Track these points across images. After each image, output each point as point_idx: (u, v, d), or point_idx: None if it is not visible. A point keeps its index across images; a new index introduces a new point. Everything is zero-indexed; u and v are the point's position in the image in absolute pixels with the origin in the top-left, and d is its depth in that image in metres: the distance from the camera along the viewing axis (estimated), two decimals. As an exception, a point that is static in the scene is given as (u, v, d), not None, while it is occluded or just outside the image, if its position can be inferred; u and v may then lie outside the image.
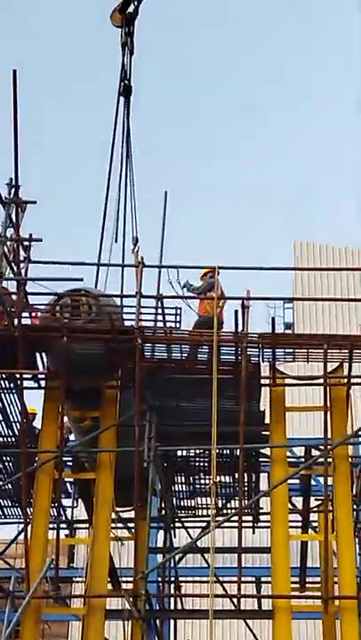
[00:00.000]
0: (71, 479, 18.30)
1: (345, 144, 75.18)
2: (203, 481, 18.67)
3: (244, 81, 76.30)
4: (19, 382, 15.51)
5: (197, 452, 17.66)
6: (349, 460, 16.10)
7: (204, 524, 18.82)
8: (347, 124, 77.78)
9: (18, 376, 15.40)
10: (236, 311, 15.44)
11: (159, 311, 15.95)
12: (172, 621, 19.92)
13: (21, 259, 15.43)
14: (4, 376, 15.74)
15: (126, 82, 18.78)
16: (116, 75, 18.86)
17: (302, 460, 17.32)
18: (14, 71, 14.20)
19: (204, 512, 19.45)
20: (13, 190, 15.24)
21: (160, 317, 15.99)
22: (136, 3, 18.85)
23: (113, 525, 15.84)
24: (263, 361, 15.96)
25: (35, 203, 15.47)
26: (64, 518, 19.37)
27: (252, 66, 76.21)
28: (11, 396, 16.36)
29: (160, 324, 15.99)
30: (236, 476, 16.60)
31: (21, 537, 16.04)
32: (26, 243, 15.51)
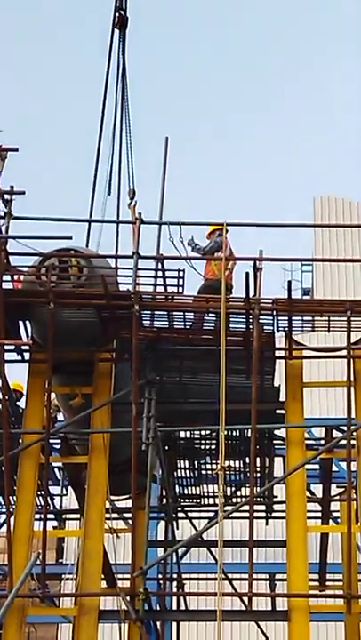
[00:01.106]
0: (60, 464, 18.33)
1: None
2: (209, 466, 18.72)
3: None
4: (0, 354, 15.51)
5: (203, 433, 17.68)
6: (376, 442, 16.09)
7: (210, 515, 18.88)
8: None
9: (-2, 346, 15.40)
10: (247, 273, 15.38)
11: (159, 274, 15.91)
12: (174, 623, 20.04)
13: (1, 214, 15.39)
14: (-17, 347, 15.73)
15: (121, 12, 18.70)
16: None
17: (322, 442, 17.32)
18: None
19: (211, 501, 19.50)
20: (-8, 135, 15.22)
21: (160, 281, 15.95)
22: None
23: (107, 516, 15.86)
24: (278, 330, 15.97)
25: (16, 150, 15.44)
26: (52, 508, 19.44)
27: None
28: (-9, 369, 16.37)
29: (160, 289, 15.95)
30: (247, 460, 16.62)
31: (4, 529, 16.13)
32: (7, 196, 15.46)
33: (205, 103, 75.12)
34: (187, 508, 19.82)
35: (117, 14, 18.74)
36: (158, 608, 17.85)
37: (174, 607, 19.52)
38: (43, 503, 16.08)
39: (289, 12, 76.08)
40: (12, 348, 15.87)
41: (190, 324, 16.12)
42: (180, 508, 19.65)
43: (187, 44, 76.54)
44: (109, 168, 17.85)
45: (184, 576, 20.42)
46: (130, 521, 16.77)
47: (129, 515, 17.18)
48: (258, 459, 17.35)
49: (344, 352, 15.72)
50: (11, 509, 15.40)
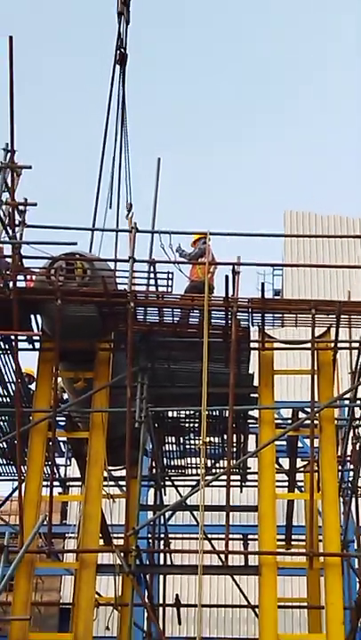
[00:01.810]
0: (64, 438, 18.33)
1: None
2: (192, 441, 18.76)
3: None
4: (13, 343, 15.49)
5: (188, 413, 17.71)
6: (335, 422, 16.11)
7: (193, 483, 18.91)
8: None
9: (12, 337, 15.38)
10: (227, 276, 15.39)
11: (152, 275, 15.91)
12: (161, 576, 20.06)
13: (16, 223, 15.36)
14: (-1, 337, 15.70)
15: (122, 50, 18.61)
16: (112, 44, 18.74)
17: (289, 421, 17.34)
18: (10, 38, 14.08)
19: (194, 471, 19.55)
20: (9, 155, 15.15)
21: (152, 281, 15.95)
22: None
23: (105, 483, 15.85)
24: (253, 325, 15.96)
25: (30, 168, 15.38)
26: (57, 476, 19.42)
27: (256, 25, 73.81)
28: (6, 357, 16.35)
29: (152, 289, 15.96)
30: (225, 436, 16.62)
31: (16, 494, 16.09)
32: (21, 207, 15.44)
33: (196, 128, 74.41)
34: (173, 478, 19.84)
35: (118, 52, 18.64)
36: (148, 563, 17.85)
37: (162, 562, 19.55)
38: (49, 472, 16.08)
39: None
40: (25, 338, 15.87)
41: (178, 319, 16.08)
42: (167, 478, 19.66)
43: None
44: (110, 185, 17.81)
45: (170, 536, 20.46)
46: (124, 488, 16.77)
47: (123, 482, 17.15)
48: (234, 435, 17.35)
49: (309, 345, 15.73)
50: (22, 477, 15.40)
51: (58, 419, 16.10)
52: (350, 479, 18.26)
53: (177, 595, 20.70)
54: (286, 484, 18.75)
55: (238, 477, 18.88)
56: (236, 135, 72.96)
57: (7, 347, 16.00)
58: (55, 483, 17.64)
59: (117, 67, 18.59)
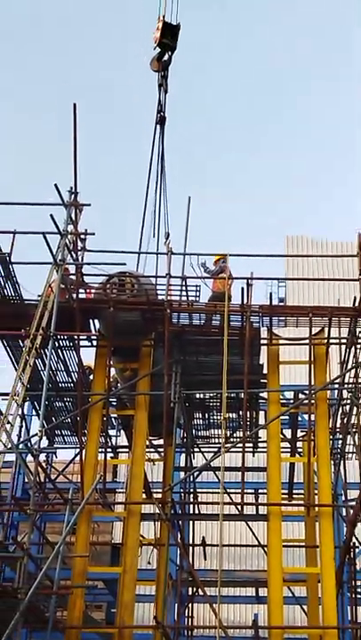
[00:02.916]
0: (116, 415, 18.39)
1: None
2: (215, 417, 18.72)
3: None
4: (76, 342, 15.62)
5: (211, 395, 17.70)
6: (327, 401, 16.14)
7: (215, 449, 18.88)
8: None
9: (75, 337, 15.49)
10: (243, 288, 15.47)
11: (183, 288, 16.00)
12: (190, 523, 20.06)
13: (79, 248, 15.48)
14: (65, 337, 15.80)
15: (162, 114, 18.61)
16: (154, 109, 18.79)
17: (291, 401, 17.37)
18: (74, 105, 14.20)
19: (216, 440, 19.52)
20: (73, 196, 15.26)
21: (184, 293, 16.04)
22: (170, 53, 18.77)
23: (147, 450, 15.95)
24: (262, 326, 16.00)
25: (89, 205, 15.47)
26: (110, 444, 19.50)
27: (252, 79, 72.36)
28: (70, 352, 16.45)
29: (184, 298, 16.04)
30: (241, 413, 16.66)
31: (77, 458, 16.17)
32: (82, 236, 15.55)
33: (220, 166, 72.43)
34: (200, 445, 19.85)
35: (159, 115, 18.59)
36: (180, 512, 17.85)
37: (191, 512, 19.57)
38: (104, 441, 16.19)
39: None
40: (85, 337, 15.94)
41: (204, 321, 16.16)
42: (195, 445, 19.67)
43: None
44: (153, 218, 17.88)
45: (198, 491, 20.45)
46: (162, 453, 16.89)
47: (161, 449, 17.25)
48: (248, 412, 17.40)
49: (307, 341, 15.78)
50: (82, 445, 15.51)
51: (110, 400, 16.20)
52: (339, 446, 18.27)
53: (203, 537, 20.70)
54: (289, 449, 18.75)
55: (251, 445, 18.81)
56: (242, 168, 71.10)
57: (71, 344, 16.11)
58: (108, 449, 17.72)
59: (158, 127, 18.64)
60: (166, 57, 18.81)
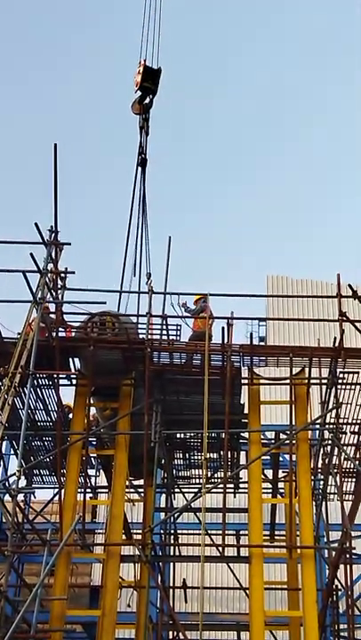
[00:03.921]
0: (95, 455, 18.25)
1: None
2: (196, 457, 18.60)
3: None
4: (56, 380, 15.50)
5: (192, 434, 17.58)
6: (309, 442, 16.05)
7: (196, 490, 18.76)
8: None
9: (55, 376, 15.39)
10: (223, 327, 15.45)
11: (164, 327, 15.94)
12: (171, 565, 19.86)
13: (59, 287, 15.42)
14: (44, 376, 15.69)
15: (143, 156, 18.65)
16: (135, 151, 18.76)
17: (273, 441, 17.27)
18: (55, 145, 14.26)
19: (197, 481, 19.37)
20: (53, 235, 15.26)
21: (165, 332, 15.98)
22: (151, 96, 18.89)
23: (127, 490, 15.80)
24: (243, 365, 15.96)
25: (69, 244, 15.50)
26: (89, 485, 19.31)
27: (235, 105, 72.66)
28: (50, 391, 16.32)
29: (165, 337, 15.97)
30: (222, 453, 16.55)
31: (56, 498, 15.99)
32: (62, 274, 15.50)
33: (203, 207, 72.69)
34: (181, 486, 19.71)
35: (140, 157, 18.53)
36: (161, 554, 17.70)
37: (171, 553, 19.37)
38: (83, 481, 16.02)
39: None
40: (64, 376, 15.84)
41: (184, 361, 16.10)
42: (176, 486, 19.53)
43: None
44: (134, 259, 17.82)
45: (178, 532, 20.28)
46: (142, 494, 16.71)
47: (141, 490, 17.07)
48: (229, 452, 17.28)
49: (288, 380, 15.74)
50: (61, 485, 15.32)
51: (90, 439, 16.07)
52: (321, 487, 18.15)
53: (184, 579, 20.48)
54: (270, 490, 18.64)
55: (232, 485, 18.71)
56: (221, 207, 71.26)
57: (50, 383, 15.99)
58: (87, 489, 17.56)
59: (139, 168, 18.64)
60: (147, 100, 18.92)
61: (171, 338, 15.93)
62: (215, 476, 18.69)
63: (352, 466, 17.47)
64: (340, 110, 69.54)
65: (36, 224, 14.61)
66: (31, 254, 14.54)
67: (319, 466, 17.88)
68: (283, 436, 16.48)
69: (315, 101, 70.92)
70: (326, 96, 71.26)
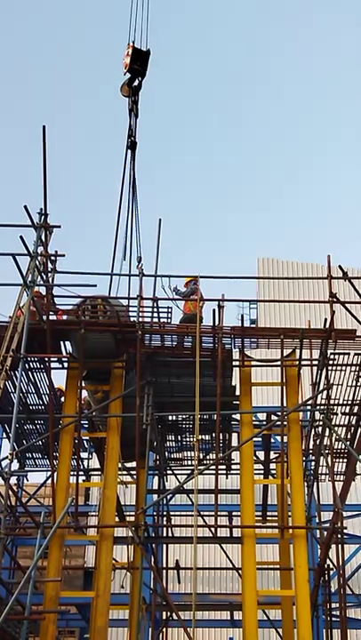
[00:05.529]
0: (87, 438, 18.24)
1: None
2: (188, 439, 18.61)
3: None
4: (47, 364, 15.46)
5: (184, 416, 17.60)
6: (300, 423, 16.06)
7: (189, 472, 18.80)
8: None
9: (46, 359, 15.35)
10: (214, 310, 15.40)
11: (155, 310, 15.89)
12: (164, 546, 19.92)
13: (49, 269, 15.35)
14: (35, 359, 15.65)
15: (132, 139, 18.52)
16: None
17: (264, 422, 17.28)
18: (44, 127, 14.14)
19: (189, 462, 19.42)
20: (43, 217, 15.16)
21: (156, 314, 15.93)
22: (140, 78, 18.76)
23: (119, 473, 15.78)
24: (234, 347, 15.93)
25: (59, 227, 15.37)
26: (82, 467, 19.33)
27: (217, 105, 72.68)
28: (41, 374, 16.29)
29: (156, 320, 15.93)
30: (214, 435, 16.55)
31: (49, 481, 15.98)
32: (52, 257, 15.42)
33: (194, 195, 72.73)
34: (173, 468, 19.73)
35: (129, 140, 18.45)
36: (153, 535, 17.71)
37: (164, 535, 19.42)
38: (76, 464, 16.01)
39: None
40: (56, 360, 15.77)
41: (175, 343, 16.07)
42: (168, 468, 19.55)
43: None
44: (125, 242, 17.70)
45: (171, 513, 20.35)
46: (135, 476, 16.72)
47: (134, 472, 17.08)
48: (221, 434, 17.27)
49: (279, 362, 15.72)
50: (54, 468, 15.31)
51: (82, 422, 16.04)
52: (312, 468, 18.19)
53: (177, 560, 20.58)
54: (262, 471, 18.68)
55: (224, 467, 18.78)
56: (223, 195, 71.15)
57: (42, 367, 15.96)
58: (80, 472, 17.56)
59: (129, 151, 18.50)
60: (136, 82, 18.80)
61: (162, 320, 15.85)
62: (207, 457, 18.68)
63: (343, 447, 17.53)
64: (325, 80, 69.50)
65: (25, 206, 14.48)
66: (21, 237, 14.43)
67: (310, 447, 17.91)
68: (274, 418, 16.51)
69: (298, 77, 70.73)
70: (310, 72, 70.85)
